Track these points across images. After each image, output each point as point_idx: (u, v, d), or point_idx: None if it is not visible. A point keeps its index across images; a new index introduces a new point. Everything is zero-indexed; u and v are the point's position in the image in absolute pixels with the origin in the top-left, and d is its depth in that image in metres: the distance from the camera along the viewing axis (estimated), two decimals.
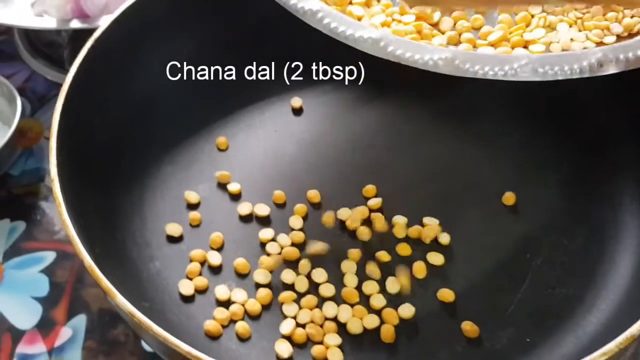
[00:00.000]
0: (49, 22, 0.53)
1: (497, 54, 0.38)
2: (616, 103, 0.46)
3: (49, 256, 0.48)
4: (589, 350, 0.38)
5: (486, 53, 0.38)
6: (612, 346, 0.33)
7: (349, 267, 0.42)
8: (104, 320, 0.45)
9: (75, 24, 0.52)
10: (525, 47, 0.40)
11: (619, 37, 0.40)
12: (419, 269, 0.42)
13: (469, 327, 0.40)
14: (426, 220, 0.44)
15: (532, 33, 0.40)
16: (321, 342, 0.39)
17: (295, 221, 0.44)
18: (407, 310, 0.40)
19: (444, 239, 0.44)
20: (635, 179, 0.45)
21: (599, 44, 0.40)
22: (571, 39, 0.40)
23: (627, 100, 0.46)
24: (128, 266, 0.41)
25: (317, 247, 0.43)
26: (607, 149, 0.46)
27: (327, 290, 0.41)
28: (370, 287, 0.41)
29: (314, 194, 0.46)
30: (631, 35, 0.39)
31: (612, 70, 0.34)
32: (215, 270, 0.42)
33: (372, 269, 0.42)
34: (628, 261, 0.42)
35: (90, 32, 0.53)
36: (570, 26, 0.41)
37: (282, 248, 0.43)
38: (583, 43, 0.40)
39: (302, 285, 0.41)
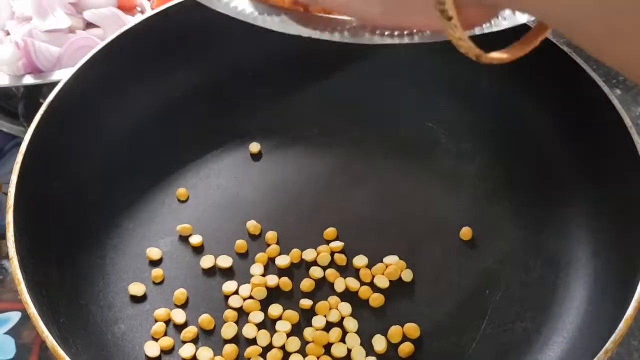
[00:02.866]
0: (0, 79, 0.52)
1: None
2: (566, 136, 0.47)
3: (14, 317, 0.48)
4: None
5: None
6: None
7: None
8: None
9: (28, 79, 0.52)
10: None
11: None
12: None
13: None
14: (388, 259, 0.45)
15: None
16: None
17: (256, 269, 0.45)
18: None
19: (407, 276, 0.44)
20: (583, 209, 0.46)
21: None
22: None
23: (576, 133, 0.47)
24: (93, 332, 0.41)
25: None
26: (556, 180, 0.47)
27: (293, 343, 0.42)
28: (333, 334, 0.42)
29: (271, 236, 0.46)
30: None
31: None
32: (180, 328, 0.42)
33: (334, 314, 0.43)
34: (581, 291, 0.43)
35: (44, 86, 0.53)
36: None
37: (244, 300, 0.43)
38: None
39: (265, 339, 0.42)
